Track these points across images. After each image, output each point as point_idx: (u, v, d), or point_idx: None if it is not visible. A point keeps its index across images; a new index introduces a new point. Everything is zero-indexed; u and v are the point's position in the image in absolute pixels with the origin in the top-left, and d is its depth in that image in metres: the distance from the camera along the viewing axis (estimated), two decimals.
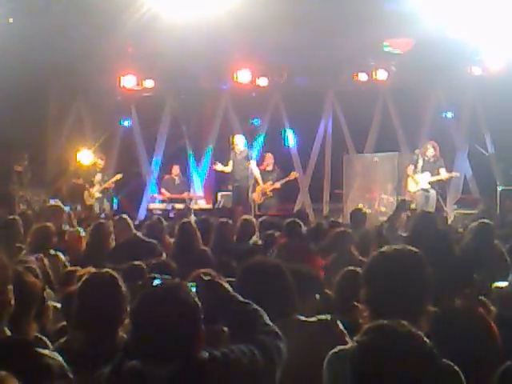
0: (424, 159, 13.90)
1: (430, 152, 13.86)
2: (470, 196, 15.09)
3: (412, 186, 14.06)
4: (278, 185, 14.93)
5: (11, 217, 8.36)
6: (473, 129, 15.84)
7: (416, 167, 13.92)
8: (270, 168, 15.20)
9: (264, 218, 10.11)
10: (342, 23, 12.79)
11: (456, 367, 2.51)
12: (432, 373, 2.10)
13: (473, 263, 5.22)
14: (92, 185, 15.42)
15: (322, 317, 3.53)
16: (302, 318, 3.49)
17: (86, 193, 15.26)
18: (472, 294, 4.12)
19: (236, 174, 14.44)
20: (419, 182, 13.84)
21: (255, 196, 14.75)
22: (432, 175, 13.80)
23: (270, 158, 15.33)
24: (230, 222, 8.52)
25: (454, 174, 14.37)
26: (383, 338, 2.17)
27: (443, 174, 13.91)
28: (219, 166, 14.88)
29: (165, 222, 8.96)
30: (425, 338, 2.15)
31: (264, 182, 14.91)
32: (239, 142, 14.64)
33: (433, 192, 13.85)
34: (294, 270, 3.82)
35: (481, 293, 4.44)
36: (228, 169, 14.63)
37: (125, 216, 8.68)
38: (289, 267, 3.70)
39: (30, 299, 3.47)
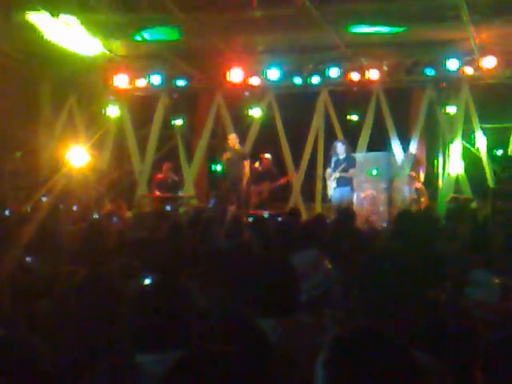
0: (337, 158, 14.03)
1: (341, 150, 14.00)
2: (462, 195, 15.15)
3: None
4: (275, 184, 15.12)
5: (1, 216, 8.37)
6: (465, 128, 15.87)
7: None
8: (266, 168, 15.33)
9: (256, 216, 10.17)
10: (333, 22, 12.82)
11: (437, 361, 2.55)
12: (405, 370, 2.11)
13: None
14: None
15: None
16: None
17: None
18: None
19: (231, 173, 14.48)
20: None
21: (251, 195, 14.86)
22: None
23: (266, 159, 15.44)
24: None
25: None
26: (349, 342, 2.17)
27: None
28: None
29: None
30: (393, 337, 2.16)
31: (261, 182, 14.98)
32: (234, 141, 14.74)
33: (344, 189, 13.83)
34: None
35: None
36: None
37: None
38: None
39: (26, 299, 3.48)
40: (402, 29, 13.29)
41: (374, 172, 14.84)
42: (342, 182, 13.79)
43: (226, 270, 5.19)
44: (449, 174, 15.59)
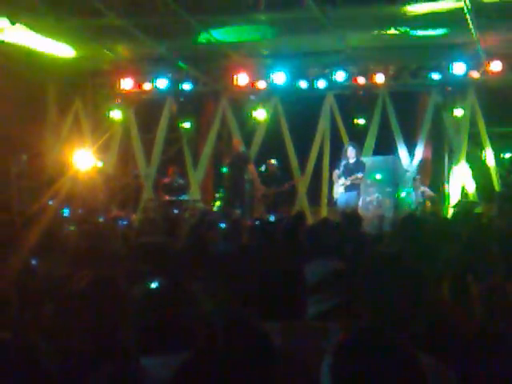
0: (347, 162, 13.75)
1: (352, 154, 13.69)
2: (468, 199, 15.12)
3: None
4: (281, 189, 15.18)
5: (8, 218, 8.37)
6: (472, 132, 15.84)
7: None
8: (272, 172, 15.37)
9: (261, 220, 10.17)
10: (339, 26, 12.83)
11: (441, 363, 2.55)
12: (410, 372, 2.11)
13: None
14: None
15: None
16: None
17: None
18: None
19: (235, 177, 14.50)
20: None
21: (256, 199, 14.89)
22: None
23: (272, 163, 15.50)
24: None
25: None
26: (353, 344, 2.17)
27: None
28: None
29: None
30: (397, 340, 2.16)
31: (266, 186, 15.03)
32: (238, 145, 14.81)
33: (351, 194, 13.61)
34: None
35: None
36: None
37: None
38: None
39: (32, 301, 3.48)
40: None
41: (378, 176, 14.77)
42: (349, 187, 13.66)
43: (229, 272, 5.19)
44: (455, 177, 15.54)
